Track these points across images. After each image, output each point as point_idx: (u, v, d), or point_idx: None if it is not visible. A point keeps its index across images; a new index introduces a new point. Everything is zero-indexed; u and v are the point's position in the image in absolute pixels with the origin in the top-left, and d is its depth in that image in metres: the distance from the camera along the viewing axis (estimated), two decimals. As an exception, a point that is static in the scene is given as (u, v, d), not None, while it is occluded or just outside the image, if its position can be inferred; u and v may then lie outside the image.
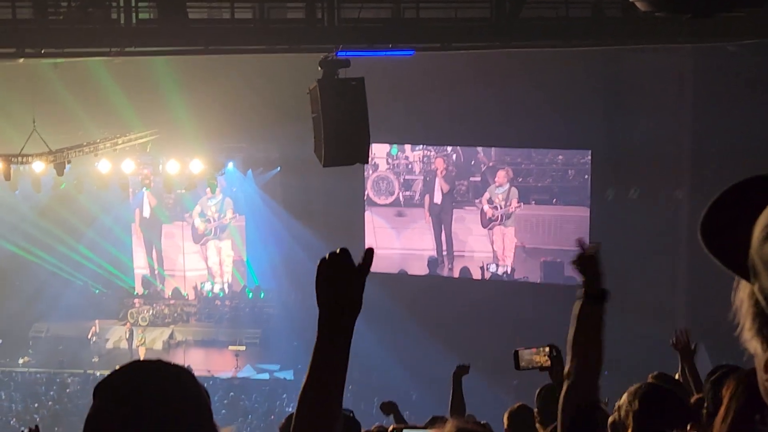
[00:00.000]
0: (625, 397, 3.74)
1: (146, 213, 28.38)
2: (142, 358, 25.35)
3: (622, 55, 21.19)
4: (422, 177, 26.15)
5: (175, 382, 1.99)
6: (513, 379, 16.41)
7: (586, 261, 3.57)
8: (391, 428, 3.11)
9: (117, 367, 2.04)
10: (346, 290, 2.34)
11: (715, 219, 1.23)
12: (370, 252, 2.33)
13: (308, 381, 2.30)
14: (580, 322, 3.48)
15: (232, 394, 23.80)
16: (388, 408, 7.70)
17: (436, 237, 26.21)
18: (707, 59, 20.25)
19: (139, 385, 1.96)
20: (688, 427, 3.94)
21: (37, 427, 6.25)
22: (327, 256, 2.37)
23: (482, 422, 5.40)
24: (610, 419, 3.71)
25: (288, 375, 25.03)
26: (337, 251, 2.33)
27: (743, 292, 1.17)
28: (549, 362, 4.73)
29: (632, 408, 3.66)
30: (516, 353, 4.65)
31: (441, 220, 26.08)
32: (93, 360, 25.40)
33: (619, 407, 3.73)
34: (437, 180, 25.75)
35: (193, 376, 2.04)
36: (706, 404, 3.78)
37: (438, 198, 25.90)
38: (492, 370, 18.53)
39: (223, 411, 22.84)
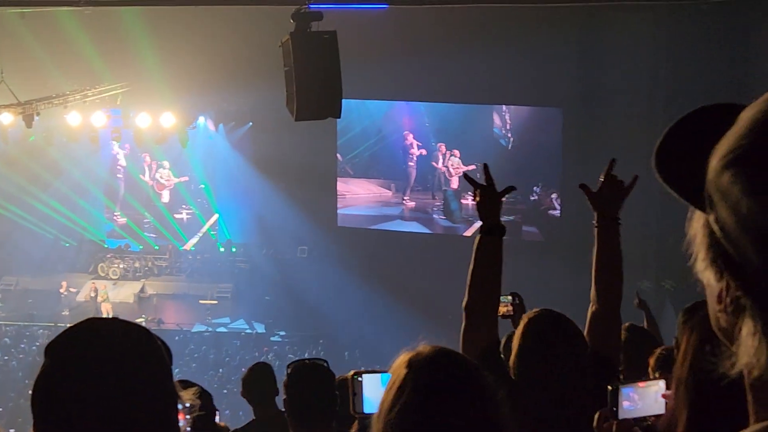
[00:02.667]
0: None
1: (122, 162, 28.14)
2: (106, 314, 25.33)
3: (597, 14, 21.19)
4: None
5: (129, 341, 1.91)
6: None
7: (483, 193, 3.67)
8: (351, 373, 3.12)
9: (69, 326, 1.96)
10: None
11: (670, 148, 1.22)
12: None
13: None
14: (478, 256, 3.57)
15: (203, 347, 23.88)
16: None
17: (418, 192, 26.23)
18: (681, 18, 20.27)
19: (92, 344, 1.89)
20: (657, 375, 3.98)
21: None
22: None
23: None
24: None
25: (259, 329, 25.13)
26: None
27: (698, 223, 1.16)
28: (512, 310, 4.82)
29: (520, 328, 3.73)
30: None
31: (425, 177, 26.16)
32: (63, 313, 25.31)
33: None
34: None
35: (150, 334, 1.95)
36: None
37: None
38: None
39: (194, 365, 22.91)
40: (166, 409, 1.91)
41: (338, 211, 26.62)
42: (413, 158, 25.78)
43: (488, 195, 3.67)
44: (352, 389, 3.20)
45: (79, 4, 11.58)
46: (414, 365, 2.15)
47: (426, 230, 26.15)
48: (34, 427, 1.88)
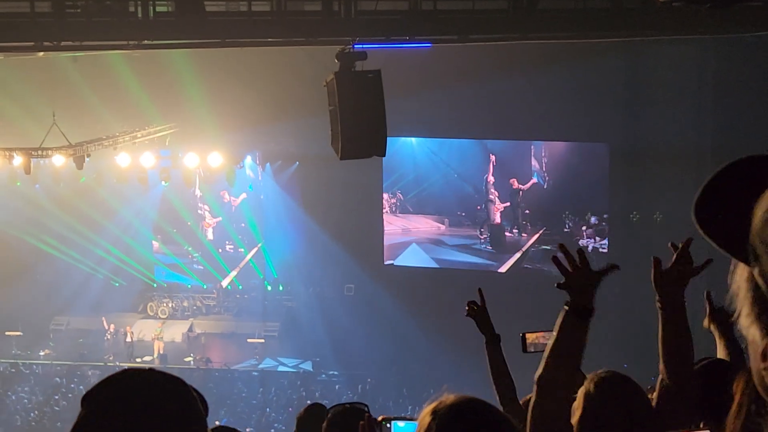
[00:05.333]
0: (586, 381, 3.57)
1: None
2: (158, 352, 25.51)
3: (641, 47, 21.08)
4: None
5: (164, 393, 1.92)
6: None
7: (575, 271, 3.34)
8: (380, 418, 3.09)
9: (107, 377, 1.98)
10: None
11: (710, 200, 1.18)
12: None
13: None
14: (561, 334, 3.32)
15: (250, 386, 23.92)
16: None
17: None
18: (727, 51, 20.12)
19: (127, 395, 1.90)
20: (701, 425, 3.87)
21: None
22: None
23: None
24: (574, 404, 3.57)
25: (306, 367, 25.10)
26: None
27: (741, 276, 1.11)
28: None
29: (584, 390, 3.50)
30: (523, 336, 4.66)
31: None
32: (108, 357, 25.49)
33: (578, 392, 3.53)
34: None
35: (185, 386, 1.96)
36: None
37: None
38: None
39: (242, 404, 22.94)
40: None
41: (387, 245, 26.85)
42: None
43: (583, 277, 3.35)
44: None
45: (127, 48, 11.79)
46: (438, 413, 2.18)
47: (477, 258, 26.30)
48: None
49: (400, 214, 27.04)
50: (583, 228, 24.69)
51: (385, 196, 26.75)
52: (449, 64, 20.90)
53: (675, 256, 3.65)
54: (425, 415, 2.21)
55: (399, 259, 26.81)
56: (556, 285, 3.30)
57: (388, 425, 3.04)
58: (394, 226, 26.95)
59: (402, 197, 26.94)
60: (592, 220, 24.49)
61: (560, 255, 3.32)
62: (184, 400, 1.92)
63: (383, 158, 22.88)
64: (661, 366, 3.70)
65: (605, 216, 24.42)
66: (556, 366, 3.31)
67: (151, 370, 2.00)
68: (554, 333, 3.32)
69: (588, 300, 3.31)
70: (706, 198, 1.18)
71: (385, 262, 26.55)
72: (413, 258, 26.75)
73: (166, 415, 1.87)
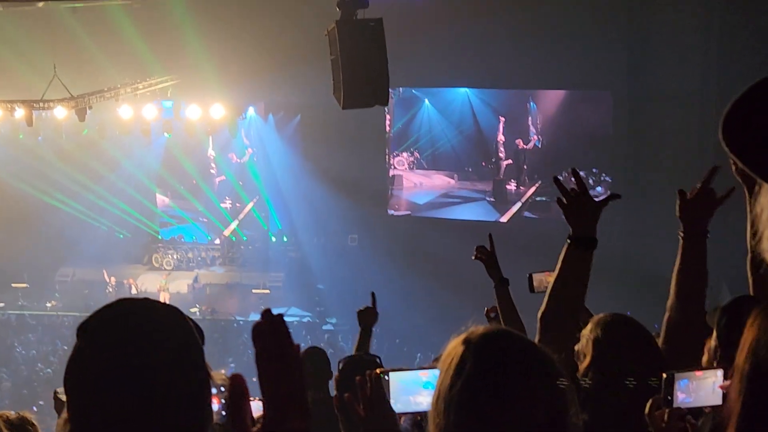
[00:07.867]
0: (589, 324, 3.50)
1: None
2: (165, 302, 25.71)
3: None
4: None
5: (159, 321, 1.88)
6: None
7: (574, 200, 3.35)
8: (378, 371, 3.03)
9: (102, 306, 1.94)
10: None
11: (737, 118, 1.14)
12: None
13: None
14: (563, 268, 3.31)
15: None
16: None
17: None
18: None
19: (122, 324, 1.87)
20: (714, 364, 3.82)
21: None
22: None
23: None
24: (576, 347, 3.45)
25: (310, 317, 25.22)
26: None
27: (765, 198, 1.11)
28: None
29: (592, 335, 3.43)
30: (530, 277, 4.71)
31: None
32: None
33: (582, 336, 3.47)
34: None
35: (181, 314, 1.92)
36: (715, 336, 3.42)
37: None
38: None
39: (249, 352, 23.03)
40: (199, 388, 1.88)
41: (397, 196, 27.16)
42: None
43: (581, 203, 3.36)
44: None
45: (127, -2, 11.70)
46: (471, 342, 2.13)
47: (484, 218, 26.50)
48: (67, 408, 1.88)
49: (417, 171, 27.48)
50: (572, 179, 24.92)
51: (405, 155, 27.25)
52: (450, 14, 20.72)
53: (699, 184, 3.57)
54: (455, 346, 2.16)
55: (413, 210, 27.25)
56: (556, 200, 3.29)
57: (386, 377, 2.97)
58: (411, 182, 27.49)
59: (419, 155, 27.35)
60: (581, 173, 24.63)
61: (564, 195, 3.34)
62: (181, 328, 1.89)
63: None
64: (671, 300, 3.64)
65: (593, 170, 24.40)
66: (560, 300, 3.28)
67: (146, 299, 1.96)
68: (557, 266, 3.27)
69: (589, 229, 3.27)
70: (733, 116, 1.14)
71: (393, 213, 26.85)
72: (423, 210, 27.13)
73: (163, 342, 1.84)
